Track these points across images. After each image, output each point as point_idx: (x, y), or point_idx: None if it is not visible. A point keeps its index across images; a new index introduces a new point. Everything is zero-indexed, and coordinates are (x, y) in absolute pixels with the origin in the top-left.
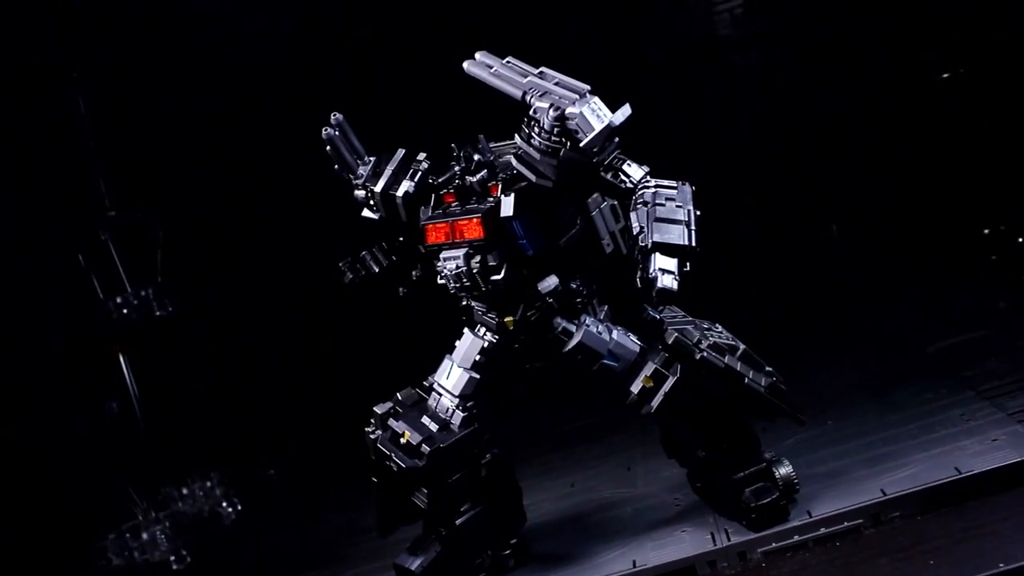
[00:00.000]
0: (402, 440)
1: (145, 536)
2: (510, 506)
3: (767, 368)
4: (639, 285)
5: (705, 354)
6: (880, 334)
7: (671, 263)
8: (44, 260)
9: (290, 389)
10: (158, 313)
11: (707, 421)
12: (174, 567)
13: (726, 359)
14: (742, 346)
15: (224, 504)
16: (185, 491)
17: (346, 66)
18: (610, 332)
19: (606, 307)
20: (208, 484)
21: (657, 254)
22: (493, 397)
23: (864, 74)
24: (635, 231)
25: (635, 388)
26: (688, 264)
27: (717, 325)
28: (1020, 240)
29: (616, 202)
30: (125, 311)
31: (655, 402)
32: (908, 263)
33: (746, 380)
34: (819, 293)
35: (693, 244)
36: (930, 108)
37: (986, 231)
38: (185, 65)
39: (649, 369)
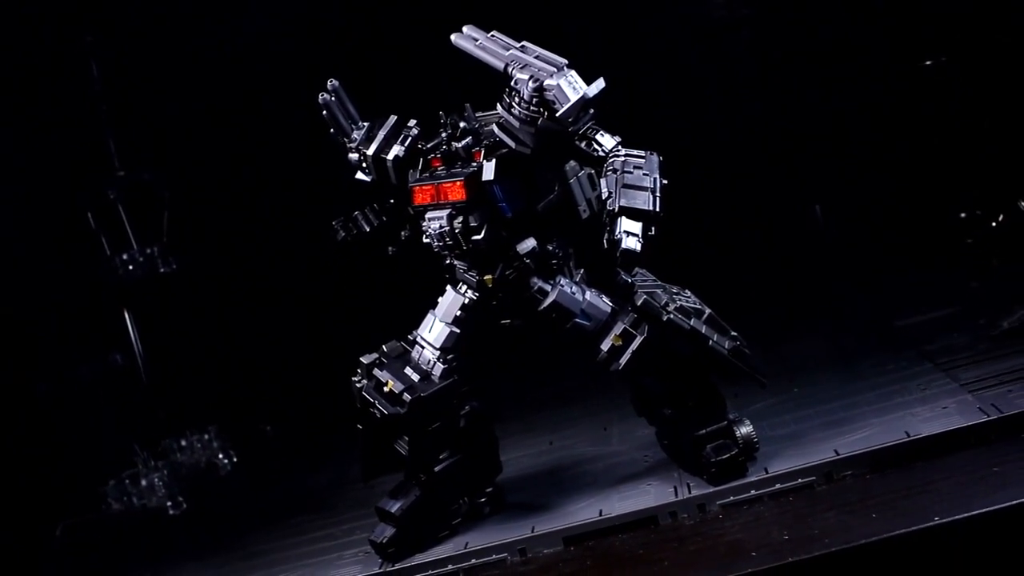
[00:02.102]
0: (385, 389)
1: (144, 483)
2: (487, 456)
3: (732, 332)
4: (605, 246)
5: (672, 316)
6: (853, 309)
7: (636, 226)
8: (55, 216)
9: (286, 346)
10: (162, 270)
11: (673, 380)
12: (170, 512)
13: (692, 321)
14: (708, 310)
15: (220, 456)
16: (183, 443)
17: (347, 39)
18: (583, 292)
19: (582, 271)
20: (206, 437)
21: (623, 218)
22: (473, 351)
23: (850, 59)
24: (604, 196)
25: (605, 346)
26: (652, 229)
27: (686, 291)
28: (993, 224)
29: (591, 170)
30: (131, 267)
31: (623, 360)
32: (886, 243)
33: (710, 342)
34: (798, 269)
35: (657, 210)
36: (914, 94)
37: (963, 215)
38: (200, 32)
39: (619, 329)
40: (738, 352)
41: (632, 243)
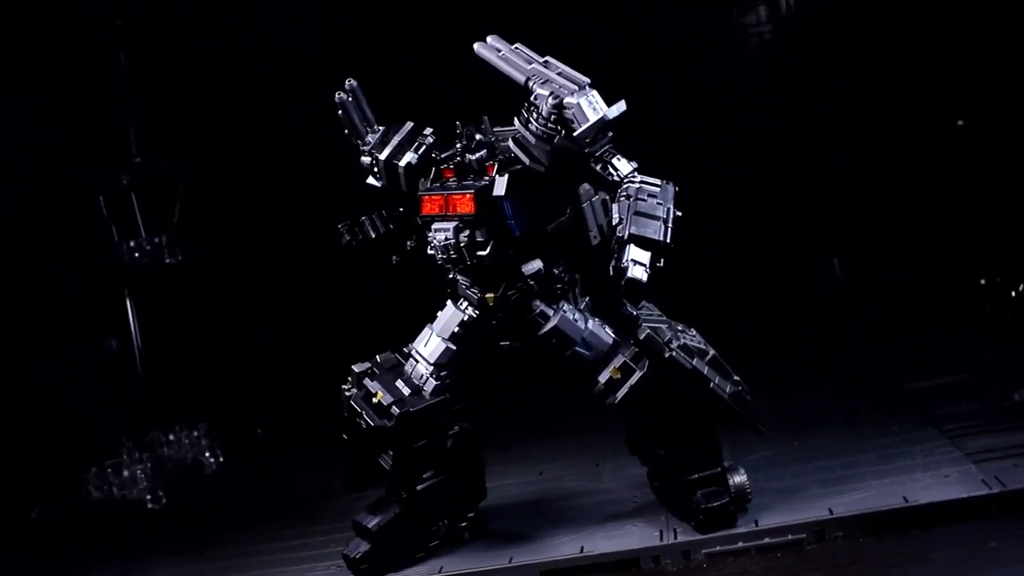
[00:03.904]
0: (374, 399)
1: (126, 473)
2: (472, 480)
3: (734, 377)
4: (611, 273)
5: (674, 354)
6: (863, 367)
7: (644, 256)
8: (68, 198)
9: (285, 349)
10: (168, 260)
11: (670, 420)
12: (149, 506)
13: (694, 361)
14: (712, 352)
15: (207, 454)
16: (171, 437)
17: (374, 43)
18: (586, 321)
19: (587, 299)
20: (195, 434)
21: (632, 245)
22: (468, 371)
23: (884, 112)
24: (615, 221)
25: (603, 378)
26: (661, 260)
27: (692, 329)
28: (1013, 294)
29: (606, 197)
30: (137, 255)
31: (620, 394)
32: (903, 303)
33: (711, 385)
34: (812, 320)
35: (668, 241)
36: (946, 153)
37: (982, 281)
38: (230, 27)
39: (618, 361)
40: (739, 398)
41: (639, 272)
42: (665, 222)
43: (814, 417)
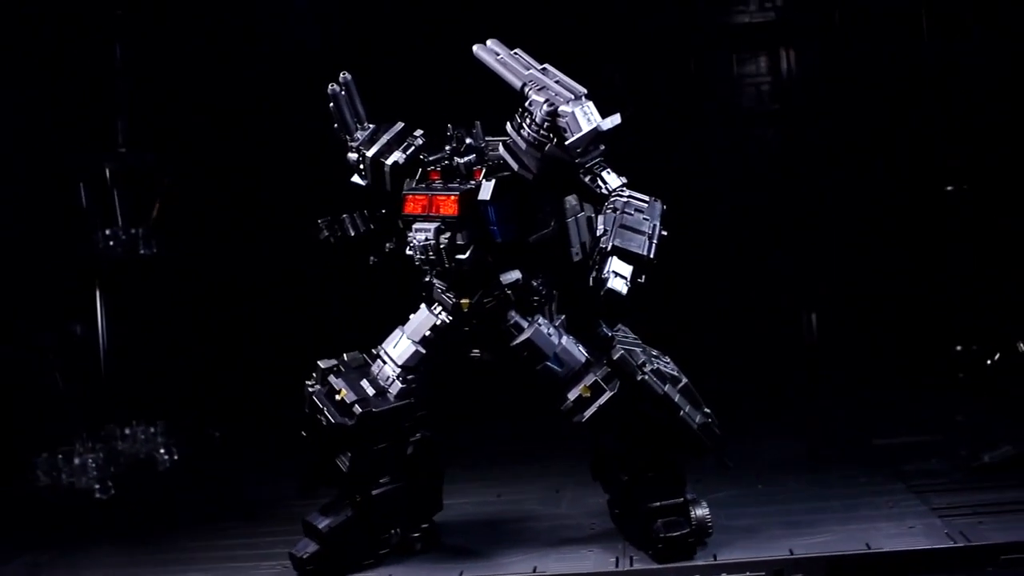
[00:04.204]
0: (337, 397)
1: (77, 461)
2: (429, 489)
3: (705, 408)
4: (591, 284)
5: (646, 377)
6: (834, 420)
7: (626, 269)
8: (49, 182)
9: (254, 352)
10: (142, 252)
11: (636, 445)
12: (97, 496)
13: (666, 387)
14: (685, 380)
15: (162, 451)
16: (127, 431)
17: (369, 43)
18: (560, 337)
19: (563, 317)
20: (152, 430)
21: (614, 258)
22: (436, 378)
23: (872, 172)
24: (599, 232)
25: (572, 395)
26: (643, 276)
27: (666, 357)
28: (988, 363)
29: (591, 215)
30: (112, 244)
31: (588, 412)
32: (880, 361)
33: (681, 413)
34: (786, 371)
35: (651, 256)
36: (932, 217)
37: (959, 347)
38: (227, 25)
39: (589, 380)
40: (708, 429)
41: (619, 285)
42: (650, 238)
43: (781, 463)
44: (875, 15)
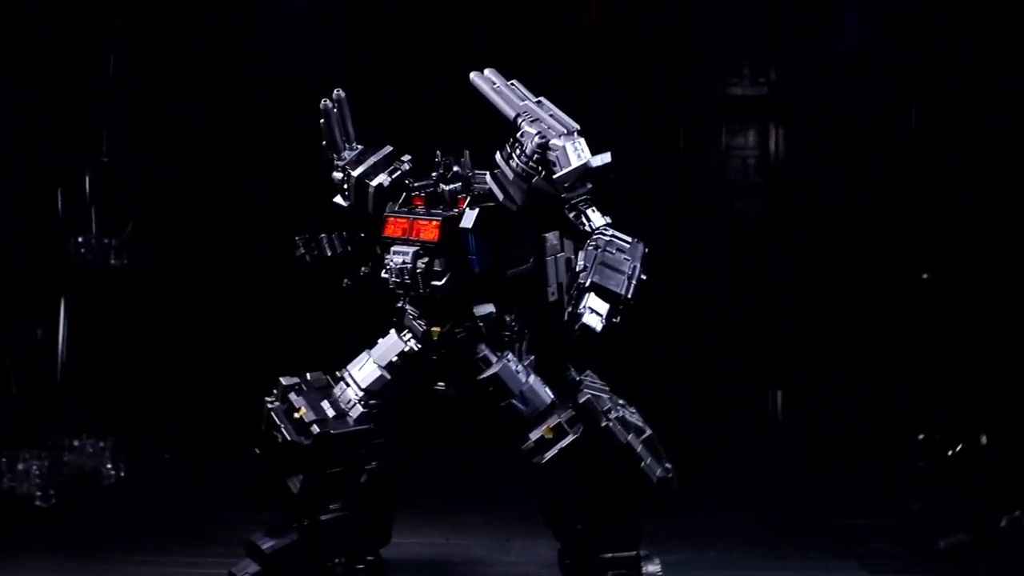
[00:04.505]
0: (296, 415)
1: (21, 467)
2: (379, 521)
3: (667, 464)
4: (565, 318)
5: (611, 424)
6: (794, 498)
7: (602, 306)
8: (32, 186)
9: (215, 375)
10: (113, 262)
11: (593, 494)
12: (37, 503)
13: (629, 436)
14: (649, 431)
15: (109, 466)
16: (76, 443)
17: (365, 67)
18: (527, 375)
19: (532, 357)
20: (100, 444)
21: (592, 294)
22: (398, 408)
23: (847, 256)
24: (578, 268)
25: (534, 436)
26: (618, 316)
27: (633, 407)
28: (949, 453)
29: (571, 256)
30: (83, 251)
31: (548, 454)
32: (842, 445)
33: (642, 464)
34: (748, 448)
35: (629, 296)
36: (906, 304)
37: (921, 436)
38: (226, 42)
39: (553, 422)
40: (667, 484)
41: (594, 321)
42: (630, 278)
43: (736, 533)
44: (866, 96)
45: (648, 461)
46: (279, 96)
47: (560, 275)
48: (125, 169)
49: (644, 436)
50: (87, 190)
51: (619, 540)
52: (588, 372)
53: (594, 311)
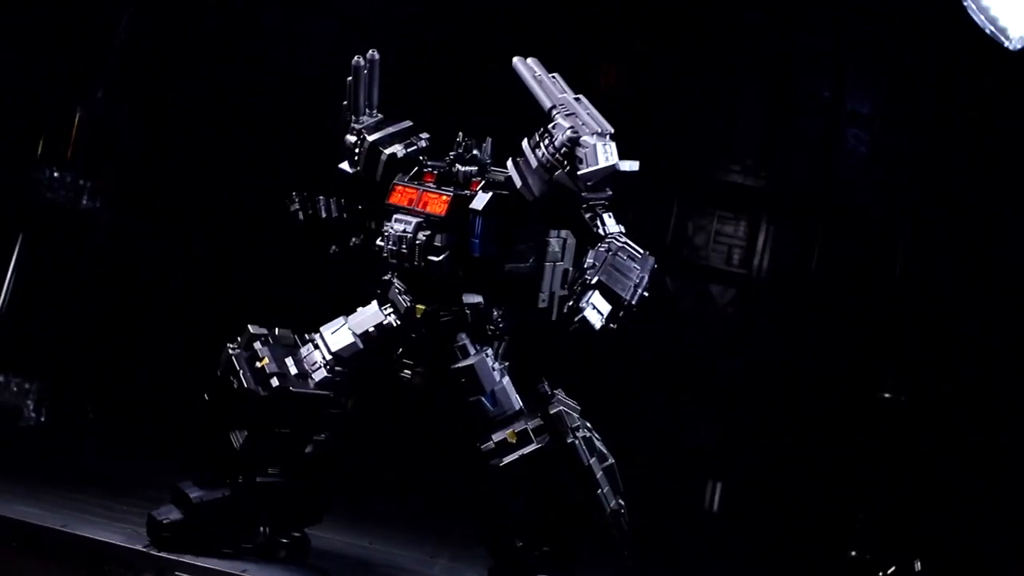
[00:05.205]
0: (258, 364)
1: None
2: (312, 497)
3: (621, 499)
4: (564, 311)
5: (576, 442)
6: None
7: (604, 306)
8: (15, 109)
9: (162, 343)
10: (84, 203)
11: (541, 513)
12: None
13: (592, 460)
14: (611, 460)
15: (31, 407)
16: (1, 378)
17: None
18: (501, 376)
19: (507, 363)
20: (27, 386)
21: (596, 292)
22: (360, 384)
23: (807, 362)
24: (586, 264)
25: (497, 437)
26: (616, 322)
27: (598, 435)
28: (880, 574)
29: (569, 268)
30: (56, 186)
31: (508, 458)
32: (777, 548)
33: (599, 491)
34: (686, 535)
35: (632, 302)
36: (857, 420)
37: (853, 553)
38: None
39: (519, 427)
40: (617, 518)
41: (594, 318)
42: (636, 286)
43: None
44: (860, 211)
45: (605, 489)
46: (283, 63)
47: (555, 284)
48: (117, 115)
49: (606, 464)
50: (75, 126)
51: (556, 564)
52: (559, 390)
53: (596, 308)
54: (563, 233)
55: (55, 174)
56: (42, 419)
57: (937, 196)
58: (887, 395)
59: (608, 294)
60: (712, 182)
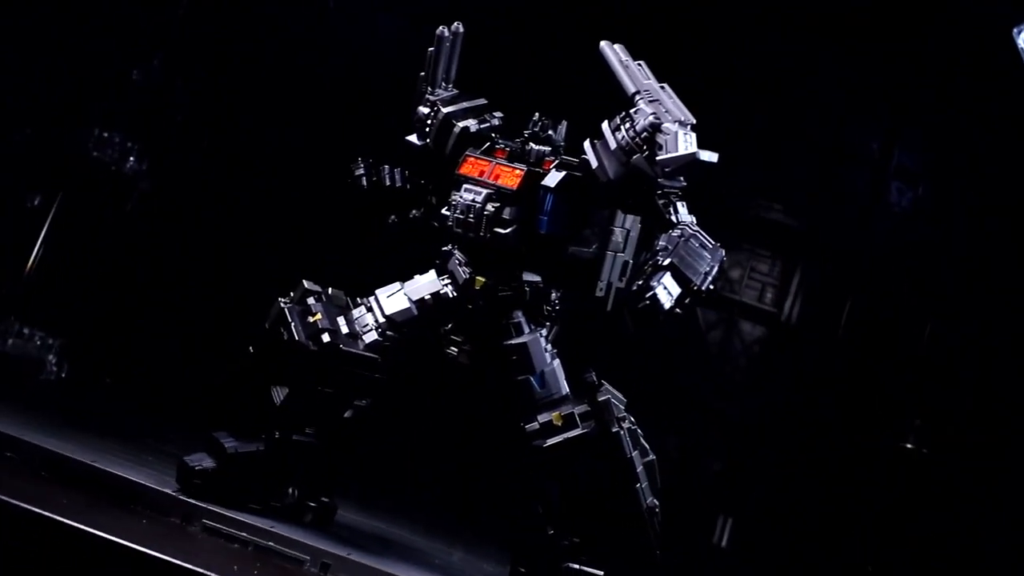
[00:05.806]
0: (310, 319)
1: None
2: (344, 465)
3: (656, 499)
4: (633, 289)
5: (622, 432)
6: None
7: (675, 288)
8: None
9: (196, 312)
10: (130, 164)
11: (578, 499)
12: None
13: (634, 452)
14: (652, 456)
15: (52, 361)
16: (27, 331)
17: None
18: (552, 359)
19: (556, 350)
20: (50, 342)
21: (668, 273)
22: (409, 353)
23: (830, 408)
24: (658, 246)
25: (542, 418)
26: (682, 308)
27: (642, 432)
28: None
29: (630, 260)
30: (104, 145)
31: (551, 440)
32: None
33: (637, 485)
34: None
35: (702, 288)
36: (876, 465)
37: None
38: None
39: (565, 411)
40: (652, 515)
41: (665, 298)
42: (707, 274)
43: None
44: (892, 270)
45: (644, 485)
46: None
47: (614, 274)
48: (176, 79)
49: (647, 459)
50: (133, 90)
51: (588, 554)
52: (605, 383)
53: (667, 289)
54: (627, 225)
55: (104, 134)
56: (63, 375)
57: (977, 260)
58: (908, 446)
59: (679, 277)
60: (753, 218)
